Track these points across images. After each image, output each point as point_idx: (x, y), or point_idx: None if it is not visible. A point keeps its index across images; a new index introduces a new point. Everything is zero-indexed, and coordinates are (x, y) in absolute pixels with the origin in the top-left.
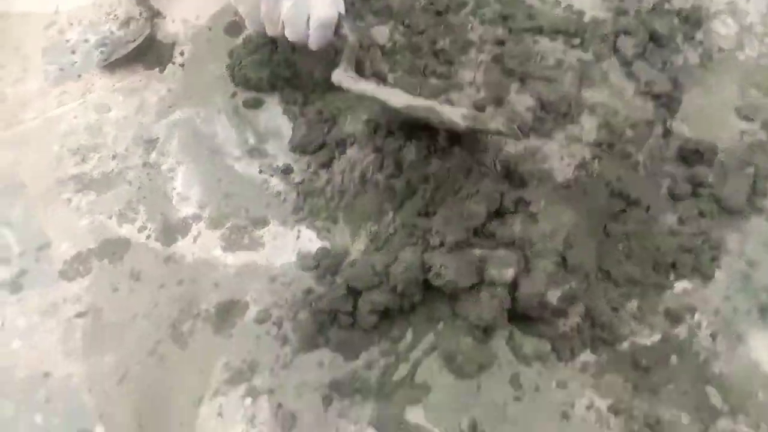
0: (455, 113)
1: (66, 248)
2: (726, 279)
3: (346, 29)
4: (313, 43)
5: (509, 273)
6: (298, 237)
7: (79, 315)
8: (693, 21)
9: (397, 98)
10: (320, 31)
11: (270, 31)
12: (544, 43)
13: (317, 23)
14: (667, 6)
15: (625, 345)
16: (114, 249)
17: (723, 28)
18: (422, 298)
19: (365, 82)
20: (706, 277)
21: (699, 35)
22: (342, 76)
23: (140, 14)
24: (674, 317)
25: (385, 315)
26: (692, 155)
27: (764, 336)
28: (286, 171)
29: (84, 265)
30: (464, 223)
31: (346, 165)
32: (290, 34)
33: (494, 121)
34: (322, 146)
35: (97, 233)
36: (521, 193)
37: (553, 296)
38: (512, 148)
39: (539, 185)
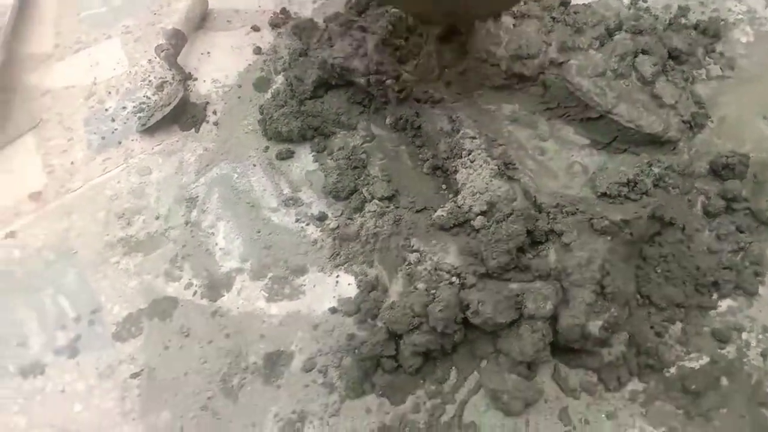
0: None
1: (118, 310)
2: None
3: None
4: None
5: (548, 306)
6: (337, 283)
7: (134, 375)
8: (712, 33)
9: None
10: None
11: None
12: None
13: None
14: (683, 20)
15: (673, 370)
16: (163, 308)
17: (743, 37)
18: (463, 337)
19: None
20: (751, 294)
21: (719, 47)
22: None
23: (173, 78)
24: (721, 338)
25: (428, 356)
26: (723, 169)
27: None
28: (321, 218)
29: (136, 326)
30: (505, 245)
31: (377, 207)
32: None
33: None
34: (353, 191)
35: (146, 293)
36: (552, 225)
37: (595, 326)
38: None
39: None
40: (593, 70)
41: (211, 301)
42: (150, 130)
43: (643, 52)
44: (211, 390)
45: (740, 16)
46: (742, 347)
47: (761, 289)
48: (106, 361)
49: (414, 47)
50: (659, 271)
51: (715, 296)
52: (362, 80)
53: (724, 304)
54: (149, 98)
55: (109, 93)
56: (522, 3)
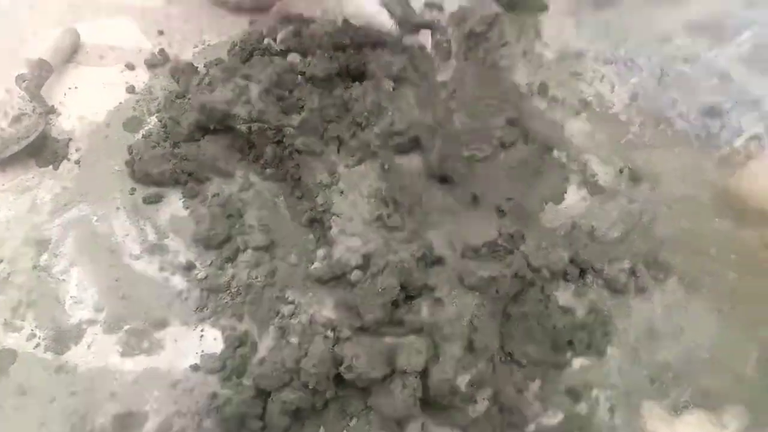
0: None
1: None
2: (618, 353)
3: None
4: None
5: (420, 360)
6: (201, 337)
7: None
8: None
9: None
10: None
11: None
12: None
13: None
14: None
15: (532, 427)
16: None
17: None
18: (335, 393)
19: None
20: (600, 353)
21: None
22: None
23: (33, 110)
24: (575, 395)
25: (297, 415)
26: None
27: (656, 405)
28: (189, 267)
29: None
30: (380, 298)
31: (251, 258)
32: None
33: None
34: (226, 240)
35: None
36: (425, 279)
37: (462, 381)
38: None
39: (442, 271)
40: None
41: (56, 355)
42: (2, 164)
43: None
44: None
45: (590, 98)
46: (593, 404)
47: (609, 349)
48: None
49: (298, 101)
50: (520, 329)
51: (569, 354)
52: (243, 127)
53: (578, 363)
54: (4, 130)
55: None
56: (403, 68)
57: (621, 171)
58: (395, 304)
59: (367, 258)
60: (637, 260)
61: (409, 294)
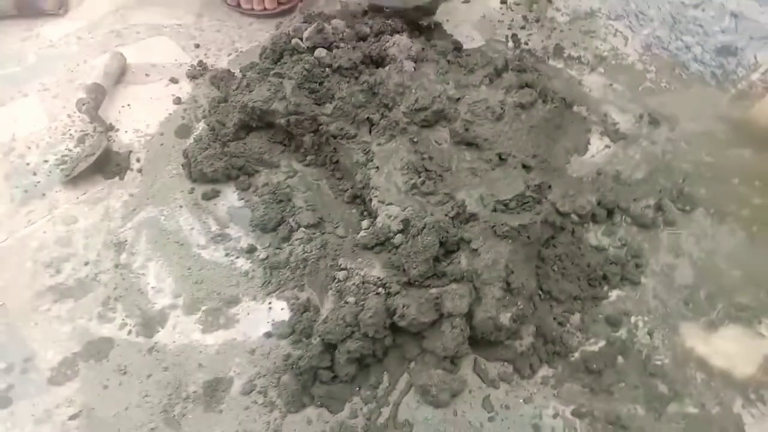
0: None
1: (51, 356)
2: (652, 282)
3: None
4: None
5: (464, 303)
6: (270, 309)
7: (73, 417)
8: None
9: None
10: None
11: None
12: None
13: None
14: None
15: (577, 355)
16: (98, 349)
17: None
18: (392, 342)
19: None
20: (635, 284)
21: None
22: None
23: (94, 130)
24: (614, 322)
25: (362, 363)
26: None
27: (692, 325)
28: (251, 251)
29: (71, 369)
30: (423, 255)
31: (304, 235)
32: None
33: None
34: (280, 222)
35: (80, 337)
36: (461, 234)
37: (505, 318)
38: None
39: (476, 225)
40: (483, 104)
41: (147, 338)
42: (74, 180)
43: (527, 85)
44: (154, 422)
45: (605, 53)
46: (632, 329)
47: (642, 279)
48: (42, 407)
49: (329, 91)
50: (556, 269)
51: (605, 288)
52: (282, 121)
53: (614, 294)
54: (71, 150)
55: (29, 148)
56: (422, 49)
57: (641, 117)
58: (436, 259)
59: (406, 222)
60: (663, 196)
61: (448, 249)
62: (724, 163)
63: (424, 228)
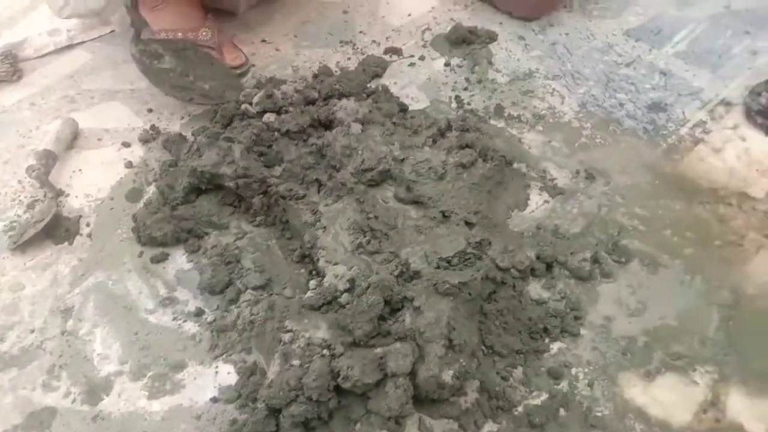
0: None
1: None
2: (590, 333)
3: None
4: None
5: (407, 363)
6: (216, 373)
7: None
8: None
9: None
10: None
11: None
12: None
13: None
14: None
15: (520, 409)
16: (40, 419)
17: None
18: (338, 403)
19: None
20: (574, 335)
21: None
22: None
23: (44, 195)
24: (555, 375)
25: (307, 427)
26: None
27: (631, 375)
28: (198, 314)
29: None
30: (366, 315)
31: (251, 297)
32: None
33: None
34: (228, 285)
35: (22, 407)
36: (405, 292)
37: (447, 375)
38: None
39: (419, 283)
40: (426, 164)
41: (91, 406)
42: (22, 246)
43: (467, 146)
44: None
45: (543, 112)
46: (573, 381)
47: (582, 330)
48: None
49: (278, 154)
50: (498, 323)
51: (546, 340)
52: (231, 184)
53: (555, 346)
54: (20, 216)
55: None
56: (368, 112)
57: (578, 172)
58: (381, 318)
59: (352, 281)
60: (599, 249)
61: (393, 308)
62: (656, 215)
63: (368, 287)
